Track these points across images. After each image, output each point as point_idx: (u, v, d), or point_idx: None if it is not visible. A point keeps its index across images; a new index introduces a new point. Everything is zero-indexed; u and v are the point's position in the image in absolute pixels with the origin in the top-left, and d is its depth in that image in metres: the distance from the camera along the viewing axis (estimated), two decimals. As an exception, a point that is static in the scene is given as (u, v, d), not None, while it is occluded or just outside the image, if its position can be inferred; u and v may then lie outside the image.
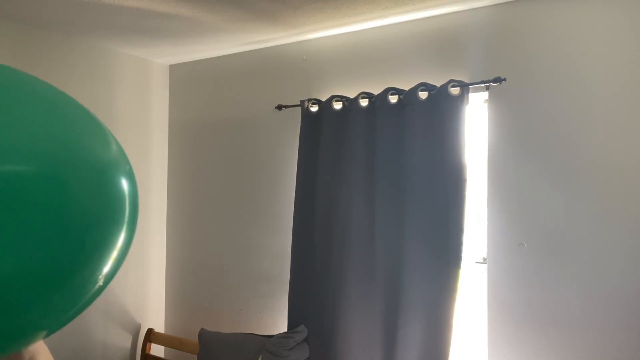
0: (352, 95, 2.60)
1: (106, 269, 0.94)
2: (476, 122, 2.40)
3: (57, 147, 0.86)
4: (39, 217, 0.78)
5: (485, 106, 2.33)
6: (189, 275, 3.38)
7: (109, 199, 0.92)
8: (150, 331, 3.27)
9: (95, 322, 3.03)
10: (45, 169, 0.81)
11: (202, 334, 2.86)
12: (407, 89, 2.39)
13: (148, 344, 3.25)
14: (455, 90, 2.27)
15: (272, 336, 2.63)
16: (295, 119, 2.85)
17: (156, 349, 3.36)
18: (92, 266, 0.89)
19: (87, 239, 0.87)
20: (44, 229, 0.79)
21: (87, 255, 0.87)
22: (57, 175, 0.83)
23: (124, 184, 0.97)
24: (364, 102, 2.53)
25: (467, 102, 2.26)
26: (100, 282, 0.94)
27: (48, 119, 0.90)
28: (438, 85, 2.32)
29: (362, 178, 2.49)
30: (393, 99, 2.44)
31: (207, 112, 3.33)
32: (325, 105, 2.65)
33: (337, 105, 2.62)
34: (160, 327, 3.46)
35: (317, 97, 2.79)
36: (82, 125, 0.96)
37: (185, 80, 3.45)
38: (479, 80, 2.26)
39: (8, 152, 0.78)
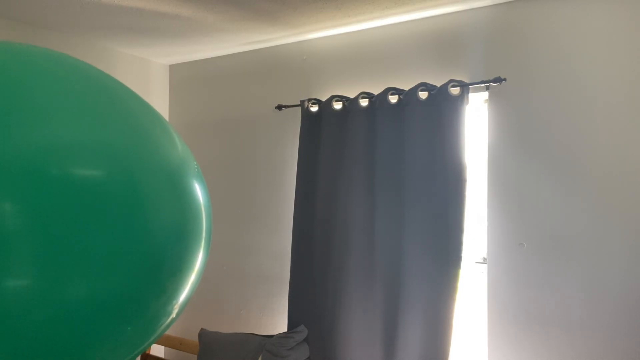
0: (352, 95, 2.60)
1: (183, 296, 0.77)
2: (476, 122, 2.40)
3: (129, 145, 0.70)
4: (113, 232, 0.64)
5: (485, 106, 2.33)
6: (189, 275, 3.38)
7: (186, 209, 0.76)
8: (150, 331, 3.27)
9: (95, 322, 3.03)
10: (118, 171, 0.66)
11: (202, 334, 2.86)
12: (407, 89, 2.39)
13: (148, 344, 3.25)
14: (455, 90, 2.27)
15: (272, 336, 2.63)
16: (295, 119, 2.85)
17: (156, 349, 3.36)
18: (169, 292, 0.73)
19: (167, 258, 0.71)
20: (119, 248, 0.64)
21: (165, 278, 0.72)
22: (131, 178, 0.67)
23: (198, 188, 0.80)
24: (364, 102, 2.53)
25: (467, 102, 2.26)
26: (174, 314, 0.77)
27: (115, 111, 0.74)
28: (438, 85, 2.32)
29: (362, 178, 2.49)
30: (393, 99, 2.44)
31: (207, 112, 3.33)
32: (325, 105, 2.65)
33: (337, 105, 2.62)
34: (160, 327, 3.46)
35: (317, 97, 2.79)
36: (148, 119, 0.80)
37: (185, 80, 3.45)
38: (479, 80, 2.26)
39: (74, 150, 0.64)
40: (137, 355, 0.76)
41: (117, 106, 0.76)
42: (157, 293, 0.70)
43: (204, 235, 0.78)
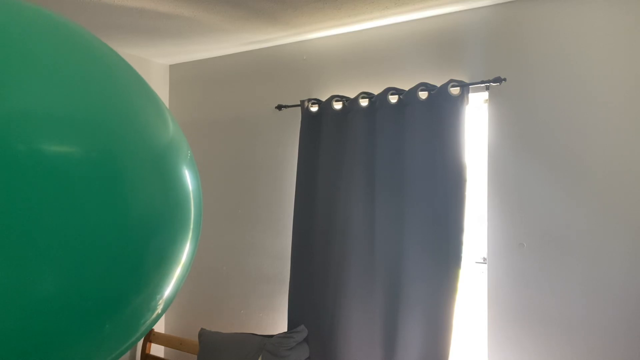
0: (352, 95, 2.60)
1: (168, 290, 0.69)
2: (476, 122, 2.40)
3: (110, 119, 0.60)
4: (90, 217, 0.55)
5: (485, 106, 2.33)
6: (189, 276, 3.38)
7: (173, 195, 0.67)
8: (150, 331, 3.27)
9: (95, 322, 3.03)
10: (97, 150, 0.57)
11: (202, 334, 2.86)
12: (407, 89, 2.39)
13: (148, 343, 3.25)
14: (455, 90, 2.27)
15: (272, 336, 2.63)
16: (295, 119, 2.85)
17: (156, 349, 3.36)
18: (152, 286, 0.65)
19: (148, 249, 0.63)
20: (96, 236, 0.56)
21: (147, 271, 0.64)
22: (112, 157, 0.58)
23: (187, 174, 0.72)
24: (364, 102, 2.53)
25: (467, 102, 2.26)
26: (159, 309, 0.70)
27: (98, 77, 0.63)
28: (438, 85, 2.32)
29: (362, 178, 2.49)
30: (393, 99, 2.44)
31: (207, 112, 3.33)
32: (325, 105, 2.65)
33: (337, 105, 2.62)
34: (160, 327, 3.46)
35: (317, 97, 2.79)
36: (137, 93, 0.69)
37: (185, 80, 3.45)
38: (479, 80, 2.26)
39: (48, 122, 0.53)
40: (123, 353, 0.70)
41: (100, 71, 0.66)
42: (138, 288, 0.62)
43: (191, 224, 0.71)
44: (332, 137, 2.62)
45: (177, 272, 0.70)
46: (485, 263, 2.32)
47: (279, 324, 2.93)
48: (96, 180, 0.57)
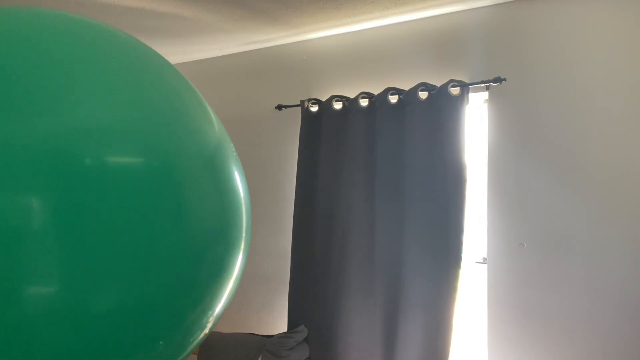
0: (352, 95, 2.60)
1: (219, 307, 0.66)
2: (476, 122, 2.40)
3: (167, 128, 0.58)
4: (149, 231, 0.53)
5: (485, 106, 2.33)
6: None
7: (228, 202, 0.64)
8: (150, 331, 3.26)
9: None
10: (158, 159, 0.55)
11: (202, 334, 2.86)
12: (407, 89, 2.39)
13: (148, 344, 3.24)
14: (455, 90, 2.27)
15: (272, 336, 2.63)
16: (295, 119, 2.85)
17: (156, 349, 3.36)
18: (206, 302, 0.62)
19: (205, 261, 0.60)
20: (158, 249, 0.53)
21: (203, 285, 0.60)
22: (171, 165, 0.56)
23: (238, 178, 0.68)
24: (364, 102, 2.52)
25: (467, 102, 2.26)
26: (208, 327, 0.66)
27: (154, 89, 0.62)
28: (438, 85, 2.32)
29: (362, 177, 2.49)
30: (393, 98, 2.44)
31: (207, 112, 3.33)
32: (326, 105, 2.65)
33: (337, 105, 2.62)
34: (160, 327, 3.46)
35: (317, 97, 2.78)
36: (186, 97, 0.67)
37: (185, 80, 3.45)
38: (479, 80, 2.26)
39: (112, 135, 0.53)
40: None
41: (154, 80, 0.65)
42: (193, 302, 0.59)
43: (244, 234, 0.68)
44: (332, 137, 2.62)
45: (229, 287, 0.66)
46: (485, 263, 2.32)
47: (279, 324, 2.93)
48: (155, 189, 0.55)
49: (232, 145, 0.76)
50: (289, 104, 2.89)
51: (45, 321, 0.52)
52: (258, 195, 3.06)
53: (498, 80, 2.20)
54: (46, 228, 0.50)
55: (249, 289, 3.09)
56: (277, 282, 2.95)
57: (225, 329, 3.12)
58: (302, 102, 2.74)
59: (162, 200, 0.55)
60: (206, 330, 0.66)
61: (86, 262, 0.51)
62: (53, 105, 0.54)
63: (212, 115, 0.73)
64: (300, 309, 2.68)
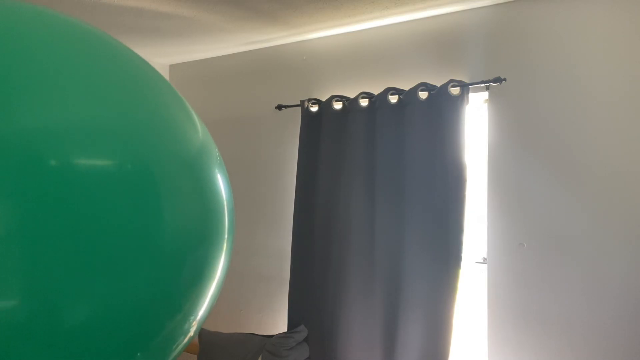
0: (352, 95, 2.60)
1: (201, 312, 0.64)
2: (476, 122, 2.40)
3: (143, 129, 0.56)
4: (123, 235, 0.51)
5: (485, 106, 2.33)
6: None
7: (208, 205, 0.62)
8: (150, 331, 3.26)
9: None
10: (130, 159, 0.53)
11: (202, 334, 2.86)
12: (407, 89, 2.39)
13: (148, 344, 3.25)
14: (455, 90, 2.27)
15: (272, 336, 2.63)
16: (295, 119, 2.85)
17: (156, 349, 3.36)
18: (187, 308, 0.59)
19: (184, 268, 0.57)
20: (129, 254, 0.51)
21: (183, 291, 0.58)
22: (144, 167, 0.54)
23: (220, 179, 0.66)
24: (364, 102, 2.52)
25: (467, 102, 2.26)
26: (192, 332, 0.64)
27: (130, 88, 0.60)
28: (438, 85, 2.32)
29: (362, 178, 2.49)
30: (393, 99, 2.44)
31: (207, 112, 3.33)
32: (325, 105, 2.65)
33: (337, 105, 2.62)
34: (160, 327, 3.46)
35: (317, 97, 2.78)
36: (166, 98, 0.65)
37: (185, 80, 3.45)
38: (479, 80, 2.26)
39: (80, 135, 0.50)
40: None
41: (130, 79, 0.62)
42: (173, 309, 0.56)
43: (226, 236, 0.66)
44: (332, 137, 2.62)
45: (211, 291, 0.64)
46: (485, 263, 2.32)
47: (279, 324, 2.93)
48: (130, 192, 0.52)
49: (215, 147, 0.72)
50: (289, 104, 2.89)
51: (11, 339, 0.48)
52: (258, 196, 3.06)
53: (498, 80, 2.20)
54: (10, 234, 0.47)
55: (249, 289, 3.09)
56: (277, 282, 2.95)
57: (226, 329, 3.12)
58: (302, 102, 2.74)
59: (137, 203, 0.53)
60: (191, 334, 0.64)
61: (54, 271, 0.48)
62: (20, 102, 0.51)
63: (195, 118, 0.70)
64: (300, 309, 2.68)
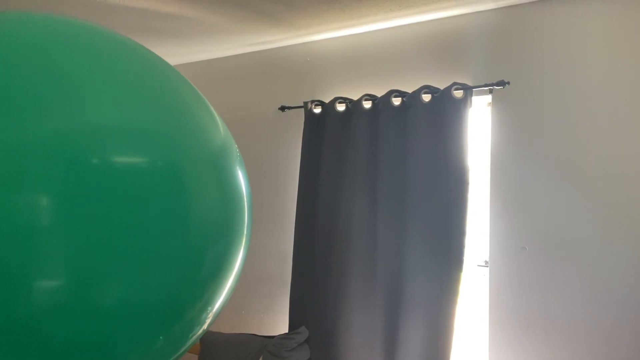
0: (355, 97, 2.60)
1: (218, 303, 0.69)
2: (479, 125, 2.40)
3: (172, 128, 0.61)
4: (153, 228, 0.56)
5: (489, 109, 2.33)
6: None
7: (230, 200, 0.66)
8: (151, 331, 3.27)
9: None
10: (160, 158, 0.58)
11: (203, 334, 2.86)
12: (410, 92, 2.39)
13: (149, 343, 3.25)
14: (458, 93, 2.27)
15: (273, 337, 2.63)
16: (298, 120, 2.85)
17: (157, 349, 3.36)
18: (206, 298, 0.64)
19: (207, 257, 0.62)
20: (158, 245, 0.56)
21: (204, 281, 0.63)
22: (173, 165, 0.59)
23: (241, 176, 0.71)
24: (367, 104, 2.53)
25: (471, 105, 2.26)
26: (207, 323, 0.69)
27: (159, 90, 0.65)
28: (441, 88, 2.33)
29: (365, 180, 2.49)
30: (396, 101, 2.44)
31: (210, 112, 3.34)
32: (329, 107, 2.65)
33: (340, 107, 2.63)
34: (161, 327, 3.46)
35: (321, 99, 2.79)
36: (191, 99, 0.70)
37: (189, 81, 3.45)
38: (483, 84, 2.26)
39: (118, 135, 0.56)
40: None
41: (158, 82, 0.67)
42: (194, 298, 0.61)
43: (245, 231, 0.70)
44: (334, 139, 2.62)
45: (229, 283, 0.69)
46: (487, 266, 2.32)
47: (280, 325, 2.93)
48: (160, 188, 0.57)
49: (236, 146, 0.78)
50: (292, 105, 2.89)
51: (53, 314, 0.55)
52: (260, 196, 3.07)
53: (501, 83, 2.21)
54: (54, 226, 0.53)
55: (250, 289, 3.09)
56: (278, 283, 2.95)
57: (227, 329, 3.13)
58: (306, 103, 2.74)
59: (166, 199, 0.58)
60: (204, 326, 0.69)
61: (92, 259, 0.54)
62: (60, 106, 0.56)
63: (217, 117, 0.75)
64: (301, 310, 2.68)
